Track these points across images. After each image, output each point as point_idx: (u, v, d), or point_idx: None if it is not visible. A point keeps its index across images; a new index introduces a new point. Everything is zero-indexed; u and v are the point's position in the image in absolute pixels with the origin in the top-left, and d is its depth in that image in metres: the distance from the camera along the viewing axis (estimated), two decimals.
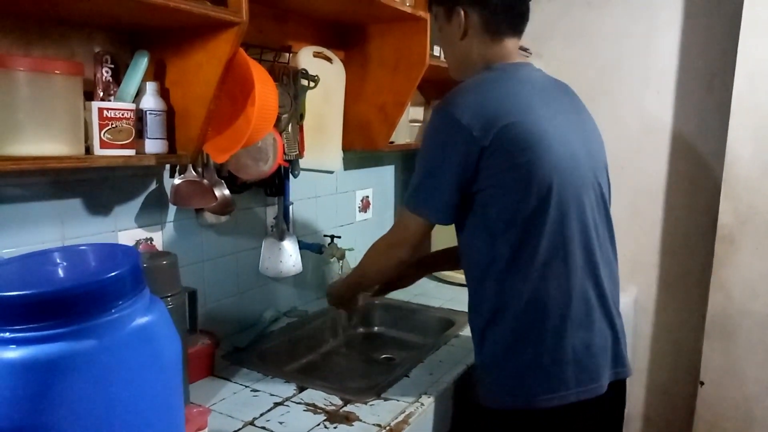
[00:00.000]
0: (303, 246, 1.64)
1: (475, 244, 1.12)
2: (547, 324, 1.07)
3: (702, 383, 1.95)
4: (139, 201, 1.28)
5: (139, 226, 1.28)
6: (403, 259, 1.19)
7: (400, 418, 1.11)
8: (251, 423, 1.09)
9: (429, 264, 1.55)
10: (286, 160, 1.45)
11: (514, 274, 1.07)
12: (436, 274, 2.09)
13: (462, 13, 1.14)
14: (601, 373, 1.13)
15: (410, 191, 1.14)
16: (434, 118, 1.11)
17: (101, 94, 1.08)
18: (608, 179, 1.23)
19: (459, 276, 2.01)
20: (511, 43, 1.17)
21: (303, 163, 1.58)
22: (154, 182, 1.31)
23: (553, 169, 1.05)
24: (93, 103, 1.02)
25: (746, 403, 1.90)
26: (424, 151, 1.12)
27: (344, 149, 1.69)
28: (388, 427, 1.08)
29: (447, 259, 1.48)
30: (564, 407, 1.08)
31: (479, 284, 1.13)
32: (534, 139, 1.04)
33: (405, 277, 1.46)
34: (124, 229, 1.25)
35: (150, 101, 1.11)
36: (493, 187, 1.06)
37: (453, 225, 1.16)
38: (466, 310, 1.68)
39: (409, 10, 1.57)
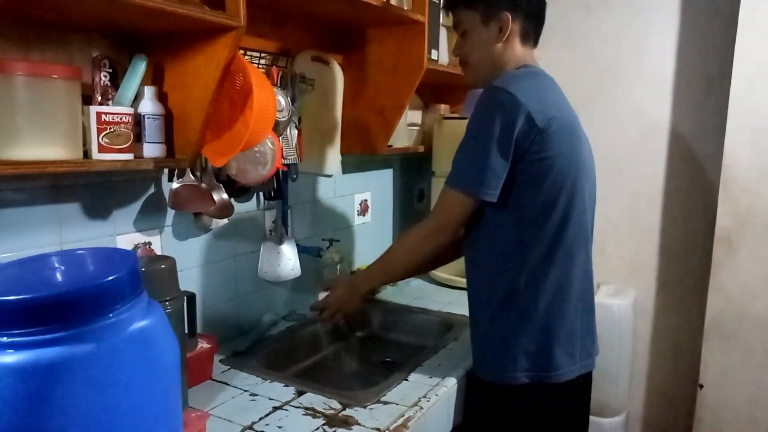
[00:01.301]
0: (302, 250, 1.64)
1: (503, 226, 1.17)
2: (568, 306, 1.18)
3: (701, 386, 1.95)
4: (137, 205, 1.28)
5: (138, 231, 1.28)
6: (444, 244, 1.22)
7: (399, 422, 1.11)
8: (250, 427, 1.09)
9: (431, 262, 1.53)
10: (284, 164, 1.45)
11: (544, 258, 1.15)
12: (435, 276, 2.09)
13: (509, 17, 1.18)
14: (593, 349, 1.27)
15: (459, 171, 1.15)
16: (491, 96, 1.12)
17: (99, 98, 1.08)
18: None
19: (458, 279, 2.01)
20: (532, 52, 1.25)
21: (301, 166, 1.58)
22: (153, 186, 1.31)
23: (582, 164, 1.18)
24: (91, 107, 1.02)
25: (746, 405, 1.89)
26: (477, 128, 1.12)
27: (343, 153, 1.69)
28: (387, 431, 1.08)
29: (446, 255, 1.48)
30: (569, 381, 1.19)
31: (499, 263, 1.18)
32: (572, 133, 1.16)
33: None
34: (123, 234, 1.25)
35: (148, 105, 1.11)
36: (533, 171, 1.11)
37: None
38: (465, 313, 1.68)
39: (407, 14, 1.57)
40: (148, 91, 1.11)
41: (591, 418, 2.01)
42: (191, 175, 1.29)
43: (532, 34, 1.23)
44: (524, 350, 1.17)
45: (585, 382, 1.27)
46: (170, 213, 1.35)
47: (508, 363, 1.18)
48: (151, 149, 1.12)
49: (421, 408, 1.17)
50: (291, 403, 1.18)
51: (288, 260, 1.59)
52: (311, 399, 1.20)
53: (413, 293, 1.98)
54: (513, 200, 1.14)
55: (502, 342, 1.19)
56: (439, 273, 2.08)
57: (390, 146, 1.84)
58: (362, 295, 1.38)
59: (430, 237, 1.21)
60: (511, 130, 1.08)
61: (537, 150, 1.10)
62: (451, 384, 1.28)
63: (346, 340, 1.71)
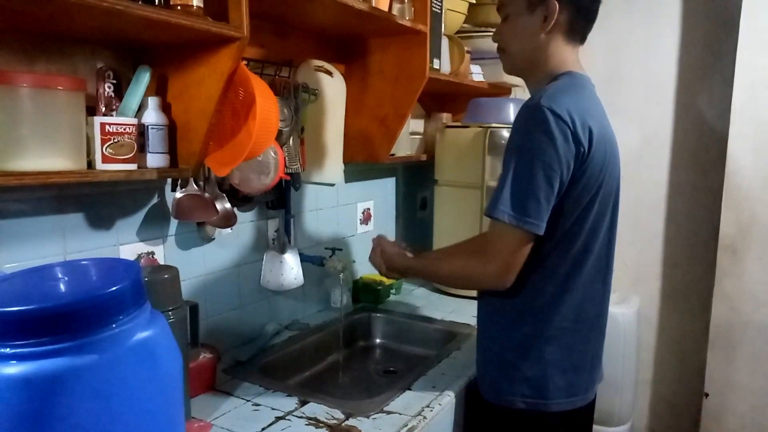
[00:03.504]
0: (304, 259, 1.64)
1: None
2: (578, 337, 1.14)
3: (707, 394, 1.94)
4: (140, 215, 1.28)
5: (141, 240, 1.28)
6: (509, 285, 1.07)
7: None
8: None
9: None
10: (287, 173, 1.45)
11: (559, 287, 1.10)
12: (438, 285, 2.08)
13: (556, 6, 1.09)
14: (597, 380, 1.23)
15: (517, 203, 1.00)
16: (539, 115, 1.00)
17: (103, 109, 1.09)
18: None
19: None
20: (577, 51, 1.17)
21: (304, 176, 1.59)
22: (156, 196, 1.32)
23: (614, 188, 1.13)
24: (95, 118, 1.03)
25: (752, 414, 1.88)
26: (528, 155, 1.00)
27: (345, 162, 1.69)
28: None
29: None
30: (570, 412, 1.15)
31: (513, 288, 1.08)
32: (610, 158, 1.09)
33: None
34: (126, 243, 1.25)
35: (152, 116, 1.12)
36: (566, 197, 1.04)
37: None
38: (469, 322, 1.67)
39: (408, 23, 1.58)
40: (152, 101, 1.12)
41: (596, 427, 2.01)
42: (194, 185, 1.29)
43: (579, 31, 1.14)
44: (525, 375, 1.13)
45: (586, 411, 1.22)
46: (173, 223, 1.35)
47: (508, 386, 1.15)
48: (155, 159, 1.12)
49: (425, 418, 1.16)
50: (294, 413, 1.17)
51: (291, 269, 1.59)
52: (314, 409, 1.19)
53: (416, 302, 1.97)
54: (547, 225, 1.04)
55: (504, 364, 1.16)
56: None
57: (392, 155, 1.85)
58: (402, 272, 1.34)
59: (496, 281, 1.07)
60: (565, 154, 0.99)
61: (576, 180, 1.03)
62: (454, 394, 1.28)
63: (348, 349, 1.71)
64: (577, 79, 1.12)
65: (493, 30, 1.23)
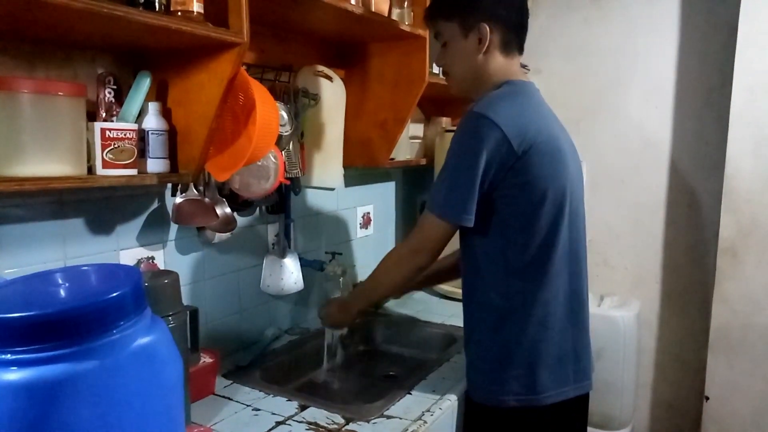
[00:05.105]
0: (304, 263, 1.64)
1: (488, 248, 1.16)
2: (556, 328, 1.16)
3: (707, 398, 1.94)
4: (140, 220, 1.28)
5: (141, 245, 1.29)
6: (423, 266, 1.19)
7: None
8: None
9: (431, 277, 1.55)
10: (287, 178, 1.45)
11: (528, 279, 1.14)
12: (438, 289, 2.08)
13: (487, 29, 1.16)
14: (589, 371, 1.24)
15: (437, 196, 1.13)
16: (470, 121, 1.10)
17: (104, 114, 1.09)
18: None
19: (461, 291, 2.00)
20: (517, 60, 1.23)
21: (304, 180, 1.59)
22: (156, 201, 1.32)
23: (568, 184, 1.15)
24: (95, 123, 1.03)
25: (753, 417, 1.88)
26: (457, 152, 1.11)
27: (345, 166, 1.69)
28: None
29: (448, 272, 1.51)
30: (561, 403, 1.17)
31: (487, 286, 1.17)
32: (556, 156, 1.13)
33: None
34: (126, 248, 1.25)
35: (152, 121, 1.12)
36: (513, 196, 1.10)
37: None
38: None
39: (408, 28, 1.59)
40: (152, 107, 1.12)
41: (597, 431, 2.00)
42: (194, 190, 1.30)
43: (514, 43, 1.20)
44: (513, 374, 1.15)
45: (580, 404, 1.24)
46: (173, 227, 1.36)
47: (497, 386, 1.16)
48: (155, 164, 1.12)
49: (425, 422, 1.16)
50: (294, 418, 1.17)
51: (291, 274, 1.59)
52: (314, 414, 1.19)
53: (416, 306, 1.97)
54: (497, 225, 1.13)
55: (491, 365, 1.17)
56: (442, 285, 2.08)
57: (392, 159, 1.85)
58: (354, 314, 1.37)
59: (408, 259, 1.20)
60: (489, 156, 1.07)
61: (515, 175, 1.09)
62: (454, 398, 1.28)
63: (348, 352, 1.71)
64: (517, 87, 1.18)
65: None
